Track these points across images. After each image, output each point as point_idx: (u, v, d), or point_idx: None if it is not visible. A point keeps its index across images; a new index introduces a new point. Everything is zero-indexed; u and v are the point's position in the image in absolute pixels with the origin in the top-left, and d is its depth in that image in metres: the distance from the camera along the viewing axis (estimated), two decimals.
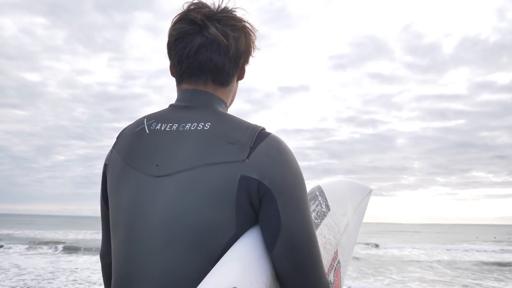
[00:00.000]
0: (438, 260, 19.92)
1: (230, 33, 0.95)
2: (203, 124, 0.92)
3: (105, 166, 1.02)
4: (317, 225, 1.30)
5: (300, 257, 0.86)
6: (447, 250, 26.36)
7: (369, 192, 1.78)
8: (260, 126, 0.93)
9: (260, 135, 0.91)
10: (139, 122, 0.99)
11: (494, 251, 25.99)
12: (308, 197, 1.12)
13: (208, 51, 0.94)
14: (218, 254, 0.85)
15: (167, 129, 0.93)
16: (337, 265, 1.36)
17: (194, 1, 0.99)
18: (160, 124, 0.95)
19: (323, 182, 1.54)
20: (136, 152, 0.94)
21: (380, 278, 13.60)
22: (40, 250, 21.38)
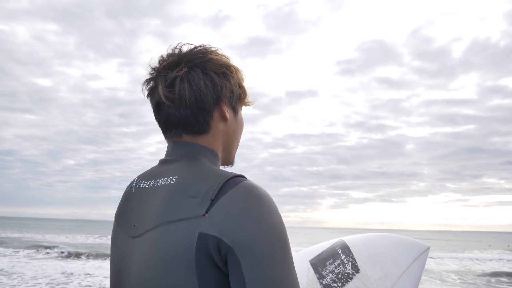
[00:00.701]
0: (447, 270, 19.58)
1: (189, 80, 0.90)
2: (171, 178, 0.87)
3: None
4: None
5: None
6: (457, 258, 25.90)
7: (425, 250, 1.45)
8: (233, 174, 0.83)
9: (227, 185, 0.80)
10: (132, 181, 1.00)
11: (508, 260, 25.58)
12: (325, 255, 1.06)
13: (166, 107, 0.92)
14: None
15: (146, 186, 0.91)
16: None
17: (160, 57, 0.96)
18: (143, 181, 0.94)
19: (351, 238, 1.25)
20: (123, 212, 0.94)
21: None
22: (51, 254, 21.56)
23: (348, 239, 1.30)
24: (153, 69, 0.95)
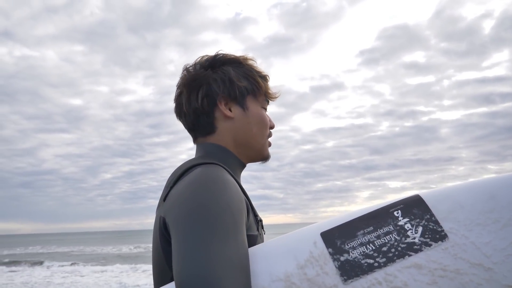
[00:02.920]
0: None
1: (186, 91, 1.00)
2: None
3: None
4: (369, 268, 0.75)
5: None
6: None
7: None
8: (197, 162, 0.89)
9: (187, 172, 0.86)
10: None
11: None
12: (357, 223, 0.80)
13: (180, 115, 1.04)
14: None
15: None
16: None
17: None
18: None
19: (446, 188, 0.84)
20: None
21: None
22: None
23: (431, 192, 0.80)
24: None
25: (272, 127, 1.06)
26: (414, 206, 0.79)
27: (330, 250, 0.76)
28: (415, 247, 0.74)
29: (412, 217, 0.77)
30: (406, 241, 0.75)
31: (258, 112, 1.01)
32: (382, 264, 0.73)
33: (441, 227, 0.76)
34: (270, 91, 1.04)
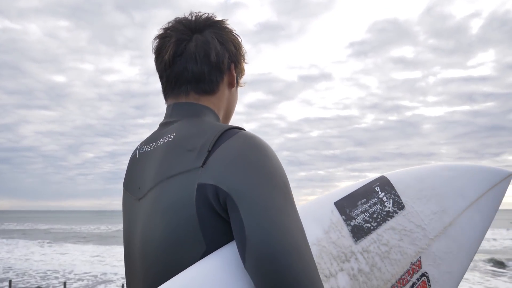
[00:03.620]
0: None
1: (208, 40, 0.92)
2: (169, 136, 0.87)
3: None
4: (368, 230, 1.00)
5: (274, 273, 0.67)
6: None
7: (506, 177, 1.19)
8: (230, 126, 0.83)
9: (224, 136, 0.80)
10: (135, 148, 1.02)
11: None
12: (356, 195, 1.01)
13: (182, 60, 0.91)
14: None
15: (148, 150, 0.92)
16: (420, 279, 1.02)
17: (174, 19, 0.97)
18: (146, 146, 0.95)
19: (395, 173, 1.08)
20: (129, 178, 0.96)
21: None
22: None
23: (391, 174, 1.10)
24: (168, 27, 0.95)
25: None
26: (385, 184, 1.07)
27: (343, 217, 0.96)
28: (390, 214, 1.03)
29: (386, 192, 1.05)
30: (385, 209, 1.02)
31: (237, 93, 1.05)
32: (374, 227, 0.98)
33: (401, 199, 1.06)
34: (242, 79, 1.08)
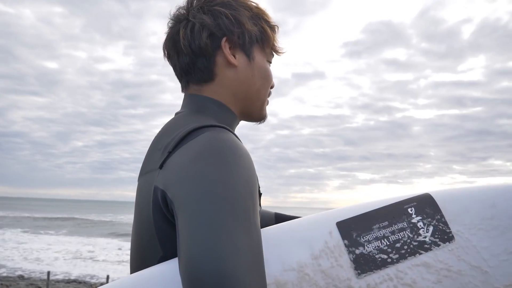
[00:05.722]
0: None
1: (186, 26, 0.85)
2: (160, 129, 0.84)
3: None
4: (382, 263, 0.76)
5: None
6: None
7: None
8: (201, 124, 0.74)
9: (190, 136, 0.72)
10: None
11: None
12: (373, 215, 0.79)
13: (173, 55, 0.88)
14: None
15: (154, 140, 0.88)
16: None
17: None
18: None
19: (447, 191, 0.83)
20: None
21: None
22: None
23: (440, 192, 0.83)
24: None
25: (272, 86, 0.95)
26: (426, 205, 0.80)
27: (346, 241, 0.75)
28: (426, 246, 0.76)
29: (425, 216, 0.79)
30: (418, 239, 0.77)
31: (264, 65, 0.89)
32: (395, 260, 0.74)
33: (449, 228, 0.78)
34: (277, 44, 0.92)
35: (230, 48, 0.84)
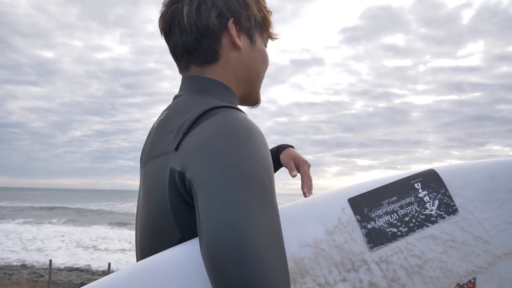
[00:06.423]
0: None
1: (190, 3, 0.83)
2: (164, 113, 0.83)
3: None
4: (393, 237, 0.79)
5: (223, 275, 0.58)
6: None
7: None
8: (215, 105, 0.74)
9: (204, 116, 0.72)
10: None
11: None
12: (382, 191, 0.82)
13: (172, 34, 0.86)
14: None
15: (155, 125, 0.87)
16: None
17: None
18: (157, 120, 0.90)
19: (450, 167, 0.86)
20: (142, 150, 0.92)
21: None
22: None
23: (443, 168, 0.86)
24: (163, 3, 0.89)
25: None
26: (432, 180, 0.84)
27: (358, 217, 0.78)
28: (432, 218, 0.80)
29: (430, 190, 0.83)
30: (425, 212, 0.80)
31: (264, 49, 0.91)
32: (404, 233, 0.78)
33: (453, 201, 0.82)
34: (273, 30, 0.94)
35: (236, 30, 0.84)
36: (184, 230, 0.72)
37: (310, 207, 0.79)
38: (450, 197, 0.83)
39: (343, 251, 0.75)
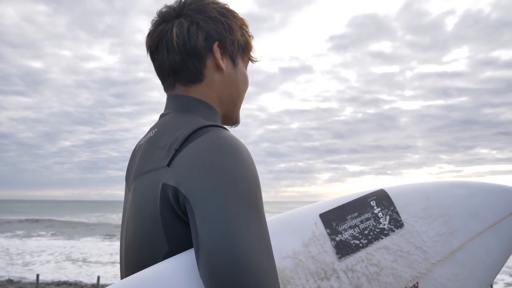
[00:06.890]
0: None
1: (179, 24, 0.86)
2: (152, 131, 0.86)
3: None
4: (356, 248, 0.90)
5: (226, 285, 0.62)
6: None
7: None
8: (205, 124, 0.78)
9: (196, 134, 0.76)
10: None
11: None
12: (346, 208, 0.93)
13: (158, 53, 0.88)
14: None
15: (141, 142, 0.90)
16: None
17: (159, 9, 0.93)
18: (143, 138, 0.92)
19: (397, 188, 0.99)
20: (128, 169, 0.94)
21: None
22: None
23: (391, 188, 1.01)
24: (153, 19, 0.92)
25: None
26: (383, 199, 0.97)
27: (328, 230, 0.88)
28: (385, 231, 0.93)
29: (383, 207, 0.96)
30: (379, 226, 0.93)
31: (244, 71, 0.96)
32: (364, 244, 0.90)
33: (400, 217, 0.97)
34: (254, 53, 0.99)
35: (220, 53, 0.89)
36: (172, 243, 0.75)
37: (288, 221, 0.87)
38: (397, 213, 0.97)
39: (317, 261, 0.84)
